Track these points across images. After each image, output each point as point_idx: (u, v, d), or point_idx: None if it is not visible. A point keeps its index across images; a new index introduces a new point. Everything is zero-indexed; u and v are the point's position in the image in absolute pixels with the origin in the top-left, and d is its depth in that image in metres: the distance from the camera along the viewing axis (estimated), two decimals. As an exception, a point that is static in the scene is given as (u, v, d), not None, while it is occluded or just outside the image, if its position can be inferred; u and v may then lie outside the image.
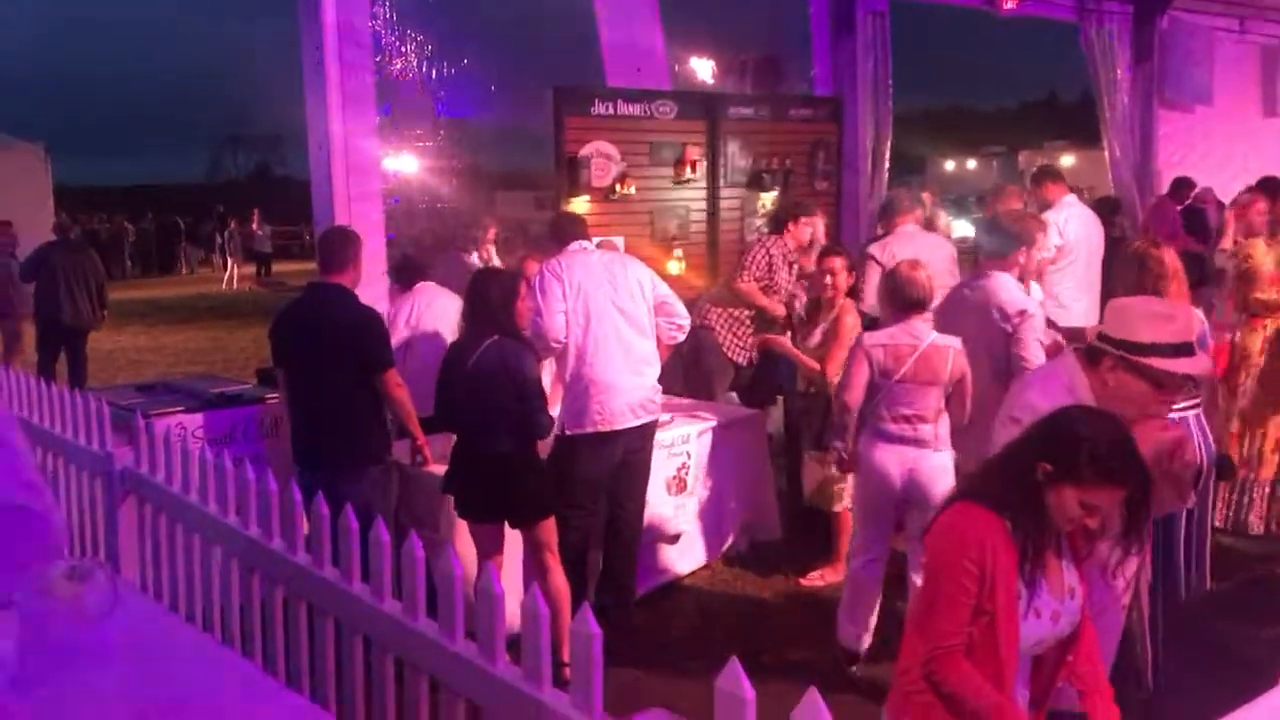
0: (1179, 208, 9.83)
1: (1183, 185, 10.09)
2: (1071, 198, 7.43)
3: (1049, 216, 6.73)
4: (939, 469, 4.41)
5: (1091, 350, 3.06)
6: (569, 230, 5.18)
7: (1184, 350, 2.95)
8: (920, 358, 4.39)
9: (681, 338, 5.30)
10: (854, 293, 5.81)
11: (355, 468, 4.56)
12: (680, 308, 5.18)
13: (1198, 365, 3.03)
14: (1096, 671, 2.52)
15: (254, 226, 27.72)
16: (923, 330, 4.48)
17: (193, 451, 3.26)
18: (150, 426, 3.54)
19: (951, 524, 2.40)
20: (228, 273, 26.14)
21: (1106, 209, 9.01)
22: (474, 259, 7.51)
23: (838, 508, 5.60)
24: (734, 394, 7.15)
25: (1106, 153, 10.71)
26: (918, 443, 4.42)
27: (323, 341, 4.60)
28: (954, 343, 4.44)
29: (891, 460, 4.42)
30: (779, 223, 7.10)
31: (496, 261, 7.58)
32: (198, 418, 5.10)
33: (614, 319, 4.92)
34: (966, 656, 2.33)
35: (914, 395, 4.41)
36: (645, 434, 5.06)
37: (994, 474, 2.45)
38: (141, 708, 1.60)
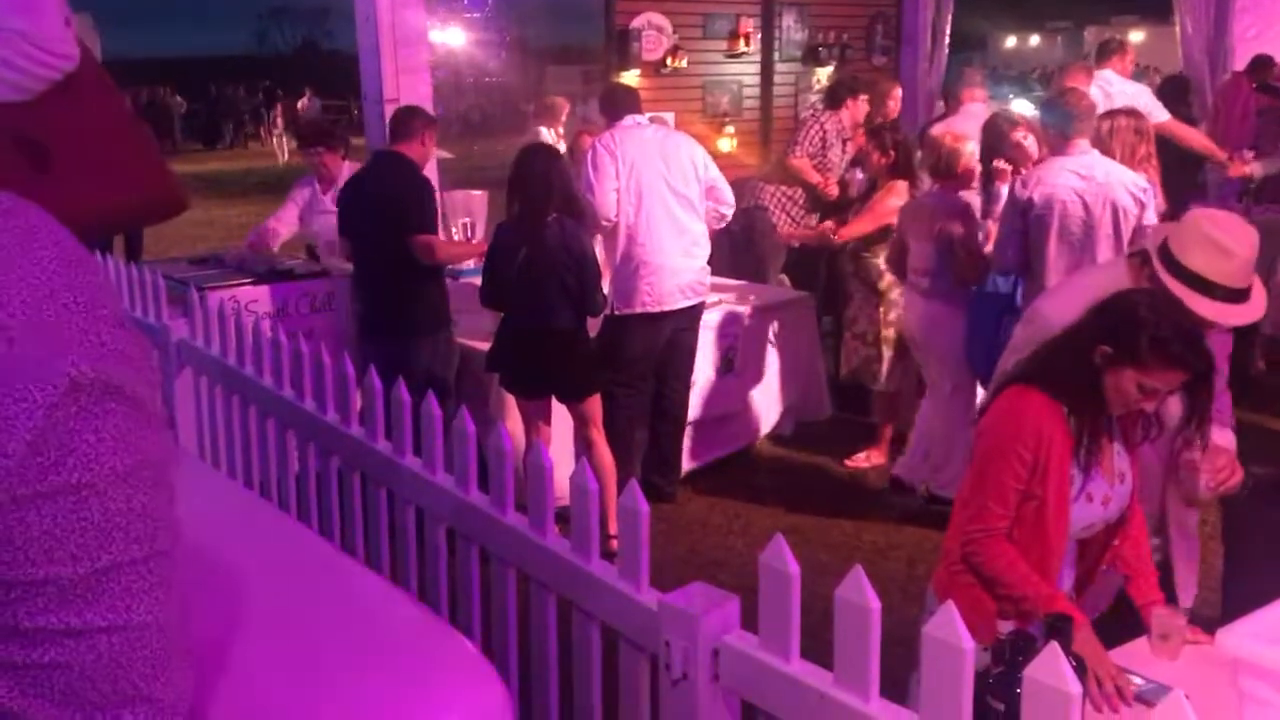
0: (1254, 87, 9.42)
1: (1262, 64, 9.65)
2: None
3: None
4: None
5: (1144, 255, 2.82)
6: (622, 104, 5.09)
7: (1231, 296, 2.62)
8: None
9: (721, 226, 5.26)
10: (910, 172, 5.68)
11: (417, 336, 4.65)
12: (728, 194, 5.10)
13: (1240, 316, 2.67)
14: (1141, 555, 2.53)
15: (301, 106, 27.57)
16: None
17: (246, 324, 3.30)
18: (204, 299, 3.58)
19: (1007, 407, 2.38)
20: (277, 146, 26.10)
21: (1174, 90, 8.63)
22: (551, 136, 7.45)
23: (877, 386, 5.61)
24: (785, 276, 7.10)
25: (1177, 28, 10.28)
26: None
27: (379, 208, 4.64)
28: None
29: None
30: (835, 98, 6.93)
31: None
32: (251, 291, 5.15)
33: (666, 198, 4.87)
34: (1011, 539, 2.34)
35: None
36: (694, 315, 5.05)
37: (1051, 356, 2.41)
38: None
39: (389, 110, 6.28)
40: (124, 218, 3.27)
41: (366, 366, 2.81)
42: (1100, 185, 4.41)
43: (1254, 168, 6.75)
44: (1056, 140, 4.64)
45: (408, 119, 4.90)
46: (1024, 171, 4.86)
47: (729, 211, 5.17)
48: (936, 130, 6.37)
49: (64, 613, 1.13)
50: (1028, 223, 4.47)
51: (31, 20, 2.77)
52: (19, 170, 2.96)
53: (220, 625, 1.62)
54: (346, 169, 5.81)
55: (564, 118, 7.89)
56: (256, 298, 5.11)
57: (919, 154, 5.90)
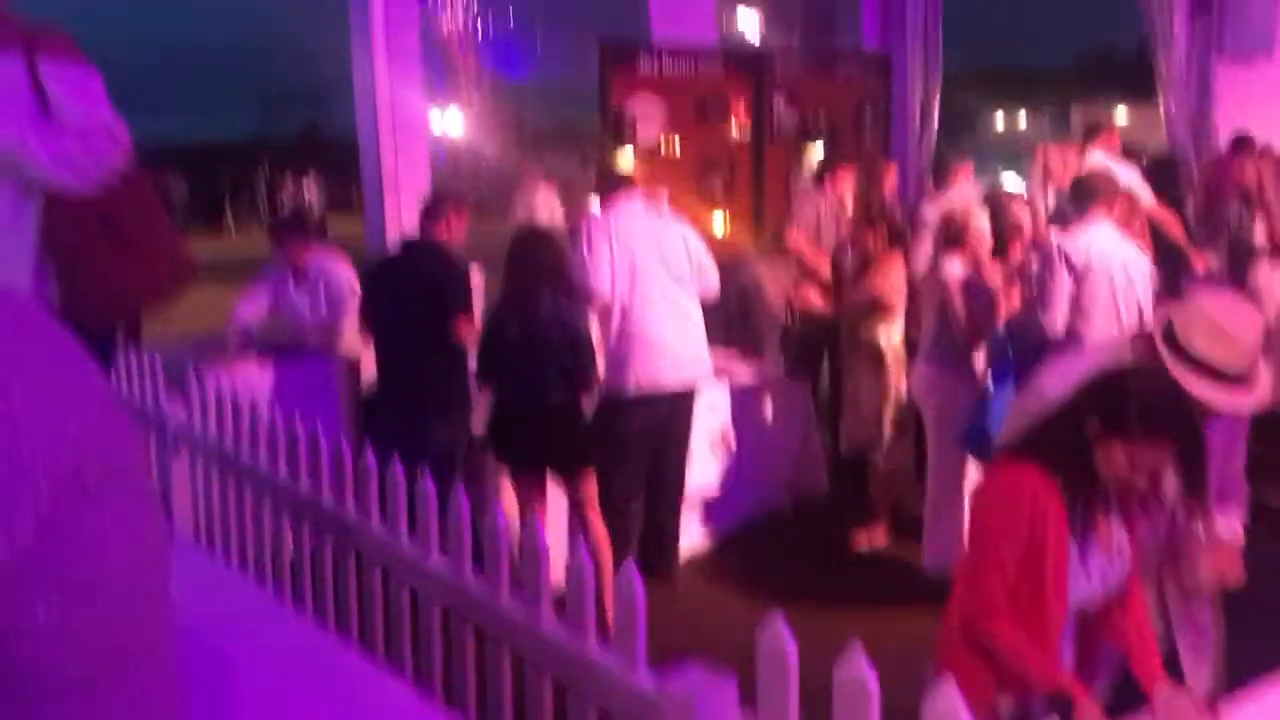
0: (1237, 166, 9.55)
1: (1243, 144, 9.81)
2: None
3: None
4: None
5: (1148, 335, 2.83)
6: (615, 184, 5.17)
7: (1234, 380, 2.61)
8: None
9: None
10: (904, 247, 5.76)
11: (442, 417, 4.69)
12: (713, 276, 5.14)
13: (1241, 401, 2.65)
14: (1143, 632, 2.51)
15: (307, 188, 27.87)
16: None
17: (243, 406, 3.30)
18: (202, 381, 3.59)
19: (1001, 481, 2.39)
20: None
21: (1161, 172, 8.74)
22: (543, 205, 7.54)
23: (877, 462, 5.61)
24: (781, 351, 7.13)
25: (1161, 109, 10.47)
26: None
27: (419, 294, 4.74)
28: None
29: None
30: (824, 169, 7.05)
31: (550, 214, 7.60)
32: (250, 371, 5.17)
33: (660, 277, 4.91)
34: (1012, 616, 2.32)
35: None
36: (689, 392, 5.07)
37: (1043, 430, 2.42)
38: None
39: (387, 192, 6.38)
40: (165, 288, 3.33)
41: (378, 446, 2.81)
42: (1127, 255, 4.61)
43: (1209, 258, 6.87)
44: (1076, 211, 4.80)
45: (439, 204, 5.04)
46: (1050, 238, 4.99)
47: (713, 292, 5.21)
48: (931, 208, 6.47)
49: (71, 708, 1.12)
50: (1079, 286, 4.56)
51: (107, 110, 2.91)
52: (106, 253, 3.03)
53: (218, 715, 1.60)
54: (318, 256, 5.86)
55: (534, 187, 7.93)
56: (255, 379, 5.12)
57: (920, 229, 6.01)
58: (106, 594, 1.14)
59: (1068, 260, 4.57)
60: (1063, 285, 4.57)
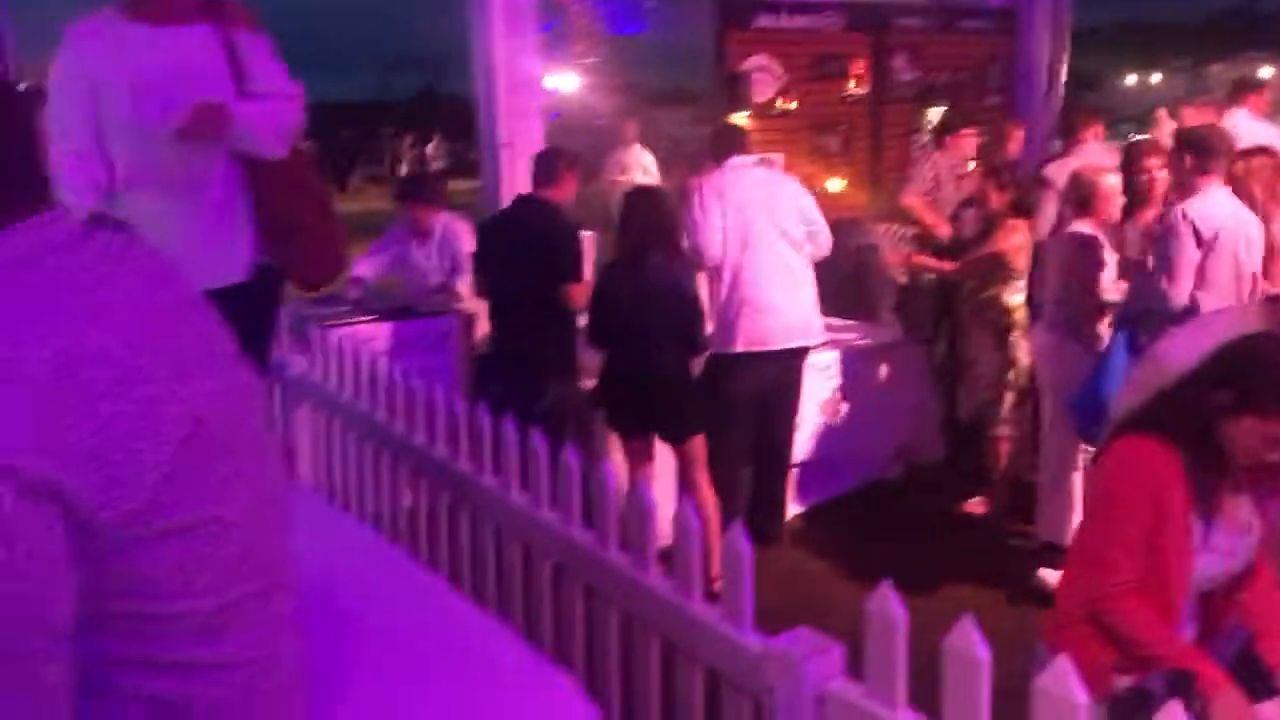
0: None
1: None
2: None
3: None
4: None
5: (1276, 303, 2.76)
6: (729, 144, 5.11)
7: None
8: None
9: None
10: (1029, 211, 5.59)
11: (550, 379, 4.74)
12: (825, 238, 5.05)
13: None
14: (1273, 610, 2.41)
15: (430, 149, 28.37)
16: None
17: (362, 360, 3.38)
18: (324, 336, 3.69)
19: (1123, 456, 2.31)
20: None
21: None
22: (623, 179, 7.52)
23: (995, 431, 5.48)
24: (896, 316, 7.01)
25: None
26: None
27: (528, 254, 4.75)
28: None
29: None
30: (944, 132, 6.86)
31: (643, 173, 7.57)
32: (369, 328, 5.29)
33: (772, 239, 4.86)
34: (1137, 594, 2.26)
35: None
36: (798, 356, 5.02)
37: (1168, 403, 2.33)
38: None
39: (503, 153, 6.43)
40: (324, 274, 3.49)
41: (491, 404, 2.85)
42: (1248, 222, 4.33)
43: None
44: (1193, 174, 4.51)
45: (552, 161, 5.00)
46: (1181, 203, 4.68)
47: (823, 257, 5.12)
48: (1057, 169, 6.25)
49: (196, 646, 1.17)
50: (1205, 257, 4.35)
51: (286, 75, 3.09)
52: (311, 214, 3.22)
53: (333, 659, 1.65)
54: (443, 218, 5.93)
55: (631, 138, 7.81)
56: (374, 335, 5.25)
57: (1044, 191, 5.79)
58: (226, 539, 1.19)
59: (1195, 230, 4.36)
60: (1190, 256, 4.35)
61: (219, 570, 1.17)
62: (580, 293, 4.77)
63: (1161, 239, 4.47)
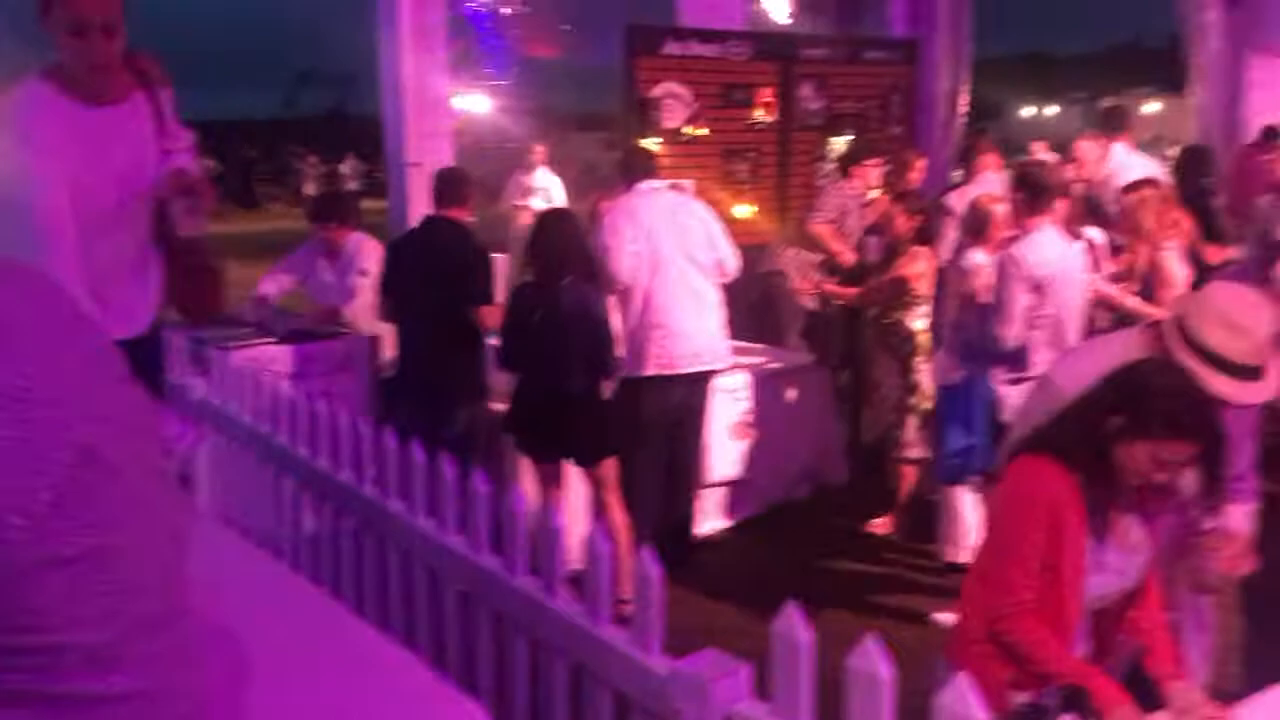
0: (1266, 158, 9.44)
1: (1273, 135, 9.69)
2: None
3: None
4: None
5: (1159, 327, 2.81)
6: (639, 168, 5.15)
7: (1245, 373, 2.61)
8: None
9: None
10: (931, 239, 5.73)
11: (458, 403, 4.69)
12: (733, 263, 5.12)
13: (1254, 394, 2.64)
14: (1158, 627, 2.50)
15: (346, 169, 28.04)
16: None
17: (264, 383, 3.32)
18: (225, 359, 3.62)
19: (1021, 476, 2.37)
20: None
21: (1194, 160, 8.58)
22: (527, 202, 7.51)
23: (899, 454, 5.58)
24: (802, 340, 7.12)
25: (1194, 100, 10.36)
26: None
27: (437, 275, 4.71)
28: None
29: None
30: (850, 162, 7.00)
31: (546, 199, 7.56)
32: (272, 350, 5.19)
33: (681, 263, 4.91)
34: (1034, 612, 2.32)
35: None
36: (705, 378, 5.07)
37: (1063, 425, 2.41)
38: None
39: (410, 173, 6.38)
40: (210, 309, 3.51)
41: (398, 427, 2.82)
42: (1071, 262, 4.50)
43: (1229, 252, 6.70)
44: (1025, 214, 4.57)
45: (460, 183, 4.97)
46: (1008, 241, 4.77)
47: (730, 280, 5.19)
48: (957, 198, 6.42)
49: (90, 679, 1.14)
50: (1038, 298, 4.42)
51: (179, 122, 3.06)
52: (204, 253, 3.25)
53: (232, 689, 1.61)
54: (355, 238, 5.86)
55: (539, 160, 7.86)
56: (276, 357, 5.15)
57: (945, 219, 5.94)
58: (116, 569, 1.16)
59: (1027, 274, 4.40)
60: (1021, 300, 4.40)
61: (109, 601, 1.14)
62: (491, 315, 4.74)
63: (996, 282, 4.54)
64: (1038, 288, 4.40)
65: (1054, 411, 2.49)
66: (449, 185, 4.98)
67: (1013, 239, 4.63)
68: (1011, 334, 4.44)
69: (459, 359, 4.79)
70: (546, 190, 10.36)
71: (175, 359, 3.89)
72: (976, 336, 4.65)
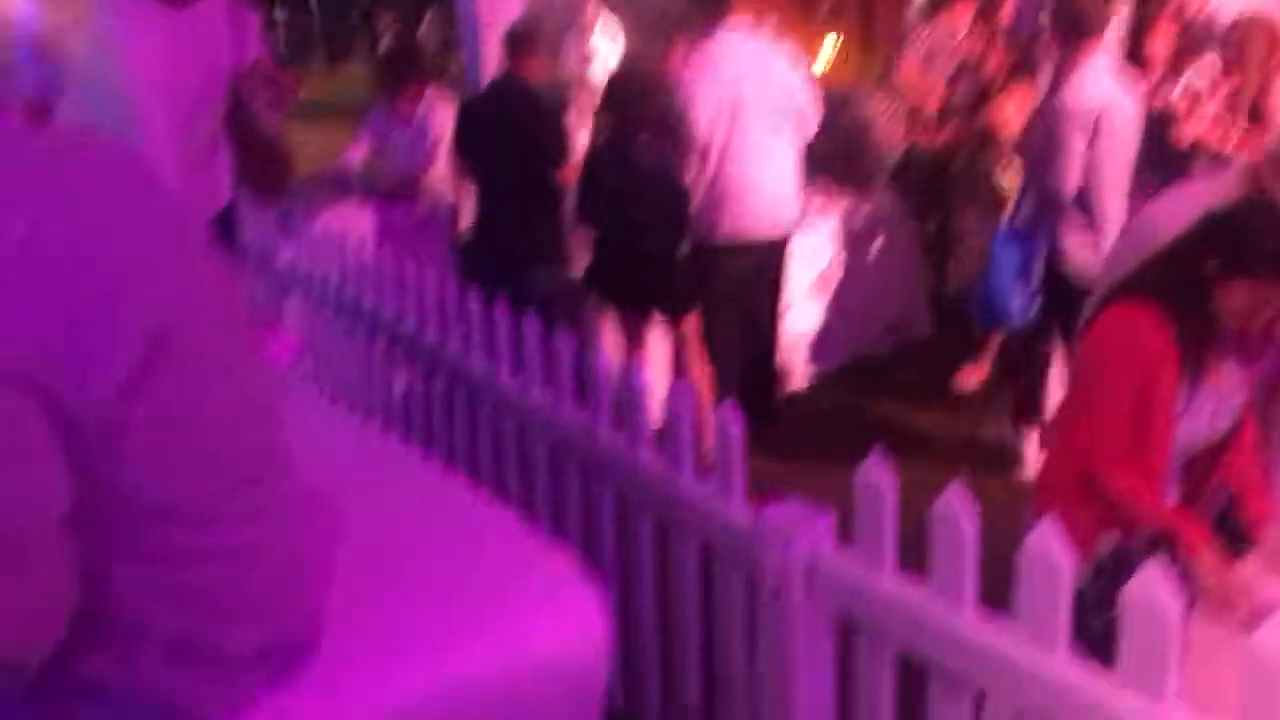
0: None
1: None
2: None
3: None
4: None
5: (1255, 166, 2.69)
6: (719, 11, 4.96)
7: None
8: None
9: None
10: (1030, 77, 5.48)
11: (538, 265, 4.69)
12: (814, 117, 4.93)
13: None
14: (1252, 471, 2.45)
15: (423, 29, 27.60)
16: None
17: (350, 246, 3.36)
18: (309, 222, 3.66)
19: (1113, 323, 2.31)
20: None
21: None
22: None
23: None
24: (888, 188, 6.95)
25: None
26: None
27: (511, 136, 4.68)
28: None
29: None
30: (934, 8, 6.69)
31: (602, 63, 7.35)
32: (354, 213, 5.24)
33: (760, 117, 4.76)
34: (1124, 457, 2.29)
35: None
36: (783, 243, 4.98)
37: (1158, 269, 2.33)
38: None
39: (483, 33, 6.26)
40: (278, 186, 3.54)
41: (479, 288, 2.84)
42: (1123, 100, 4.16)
43: None
44: (1070, 50, 4.22)
45: (529, 39, 4.87)
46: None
47: (812, 131, 5.02)
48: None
49: (192, 534, 1.20)
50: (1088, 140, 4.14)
51: None
52: (275, 124, 3.26)
53: (331, 543, 1.68)
54: (427, 100, 5.77)
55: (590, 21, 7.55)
56: (358, 222, 5.20)
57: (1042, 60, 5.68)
58: (211, 432, 1.20)
59: (1077, 117, 4.10)
60: (1075, 146, 4.10)
61: (203, 462, 1.19)
62: (567, 174, 4.71)
63: (1046, 128, 4.24)
64: (1093, 129, 4.15)
65: (1148, 256, 2.41)
66: (518, 42, 4.88)
67: (1057, 79, 4.35)
68: (1069, 182, 4.23)
69: (536, 221, 4.77)
70: (605, 53, 9.90)
71: (260, 226, 3.95)
72: (1040, 183, 4.46)
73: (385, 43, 26.25)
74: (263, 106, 2.91)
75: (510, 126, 4.72)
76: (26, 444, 1.04)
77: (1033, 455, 4.59)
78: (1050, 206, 4.38)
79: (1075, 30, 4.21)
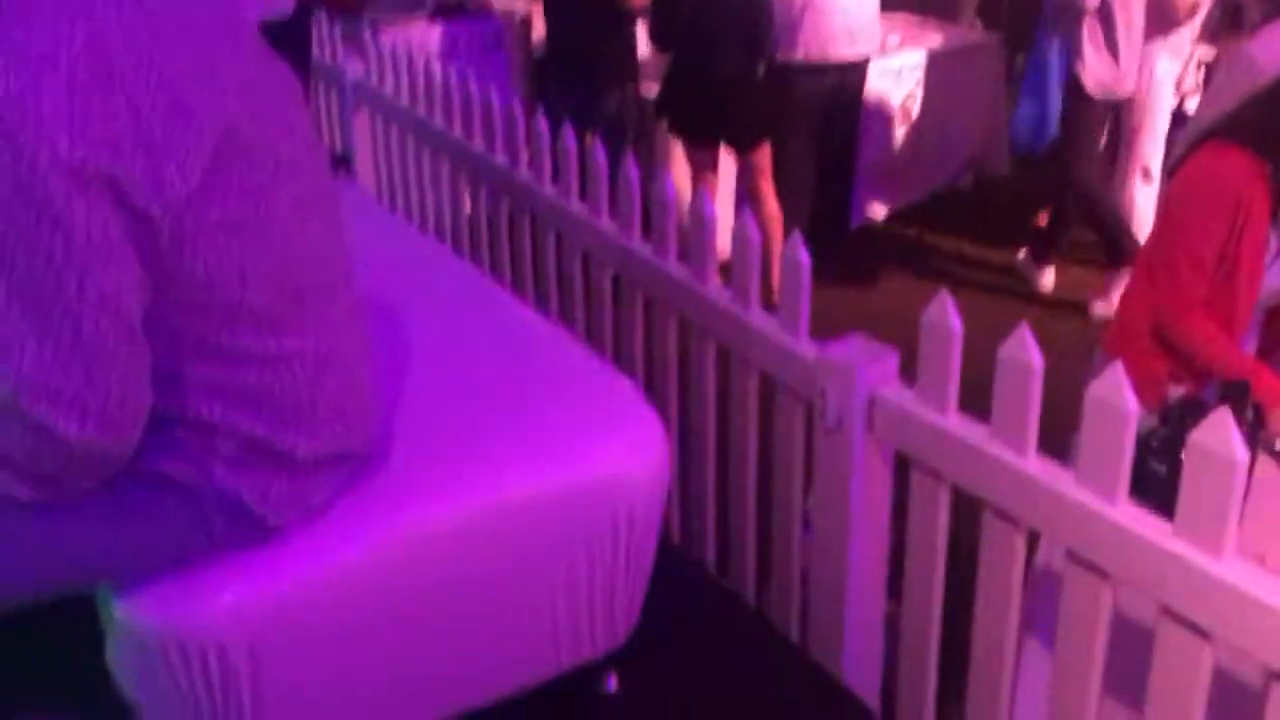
0: None
1: None
2: None
3: None
4: None
5: None
6: None
7: None
8: None
9: None
10: None
11: (607, 85, 4.58)
12: None
13: None
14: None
15: None
16: None
17: (418, 65, 3.31)
18: (378, 38, 3.60)
19: (1206, 165, 2.22)
20: None
21: None
22: None
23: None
24: (977, 19, 6.64)
25: None
26: None
27: None
28: None
29: None
30: None
31: None
32: (424, 29, 5.15)
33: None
34: (1202, 306, 2.23)
35: None
36: (863, 65, 4.81)
37: (1257, 109, 2.21)
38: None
39: None
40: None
41: (550, 111, 2.79)
42: None
43: None
44: None
45: None
46: None
47: None
48: None
49: (261, 336, 1.23)
50: None
51: None
52: None
53: (399, 358, 1.71)
54: None
55: None
56: (428, 36, 5.11)
57: None
58: (279, 235, 1.22)
59: None
60: None
61: (272, 265, 1.21)
62: None
63: None
64: None
65: (1248, 95, 2.28)
66: None
67: None
68: None
69: (606, 40, 4.62)
70: None
71: (329, 41, 3.90)
72: None
73: None
74: None
75: None
76: (108, 242, 1.07)
77: (1048, 286, 4.68)
78: (1066, 18, 4.48)
79: None
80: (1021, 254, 4.96)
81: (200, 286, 1.16)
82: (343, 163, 3.70)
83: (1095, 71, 4.44)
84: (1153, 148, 4.73)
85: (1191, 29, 4.61)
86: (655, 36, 4.44)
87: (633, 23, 4.65)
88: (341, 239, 1.38)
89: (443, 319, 1.85)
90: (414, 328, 1.79)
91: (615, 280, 2.53)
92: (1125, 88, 4.50)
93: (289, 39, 2.68)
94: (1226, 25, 4.45)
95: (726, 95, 4.30)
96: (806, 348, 1.92)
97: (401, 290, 1.90)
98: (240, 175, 1.15)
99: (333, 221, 1.35)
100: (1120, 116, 4.69)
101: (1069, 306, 4.61)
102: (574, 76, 4.64)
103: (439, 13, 5.26)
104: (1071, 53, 4.54)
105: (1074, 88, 4.53)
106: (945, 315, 1.64)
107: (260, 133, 1.19)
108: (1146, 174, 4.77)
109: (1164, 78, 4.63)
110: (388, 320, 1.78)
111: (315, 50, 3.98)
